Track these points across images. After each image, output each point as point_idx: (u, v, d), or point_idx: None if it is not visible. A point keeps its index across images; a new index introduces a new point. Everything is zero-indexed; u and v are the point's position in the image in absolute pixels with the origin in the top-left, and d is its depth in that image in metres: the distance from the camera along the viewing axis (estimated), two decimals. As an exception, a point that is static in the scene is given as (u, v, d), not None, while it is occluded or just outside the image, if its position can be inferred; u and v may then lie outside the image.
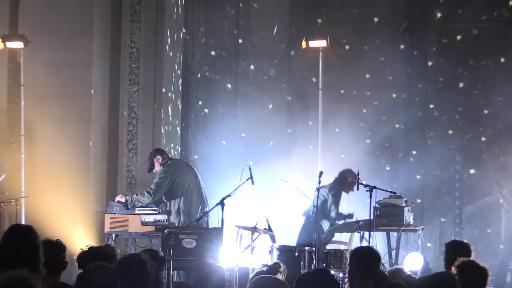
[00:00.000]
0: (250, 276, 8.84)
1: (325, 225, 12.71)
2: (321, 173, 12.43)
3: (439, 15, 16.78)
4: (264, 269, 8.69)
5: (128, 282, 6.17)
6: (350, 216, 12.91)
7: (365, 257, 7.67)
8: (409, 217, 12.59)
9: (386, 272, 8.51)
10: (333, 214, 12.69)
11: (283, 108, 16.68)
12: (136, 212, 12.71)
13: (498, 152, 15.63)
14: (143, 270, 6.34)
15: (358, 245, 12.21)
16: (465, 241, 9.16)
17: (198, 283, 7.04)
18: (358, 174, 12.45)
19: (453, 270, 7.50)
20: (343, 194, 13.10)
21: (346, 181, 12.81)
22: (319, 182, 12.54)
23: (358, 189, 12.29)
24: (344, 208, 13.36)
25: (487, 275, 7.36)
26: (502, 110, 16.12)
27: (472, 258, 8.39)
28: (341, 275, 11.21)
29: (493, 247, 15.12)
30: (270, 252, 11.88)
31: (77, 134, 13.86)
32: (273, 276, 7.26)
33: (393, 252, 12.37)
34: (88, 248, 8.07)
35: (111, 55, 14.51)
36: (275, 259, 11.56)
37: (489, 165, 15.11)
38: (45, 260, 6.46)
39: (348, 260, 11.29)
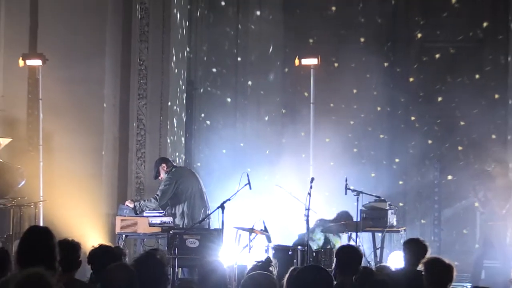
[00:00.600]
0: (248, 271, 8.82)
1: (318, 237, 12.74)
2: (312, 179, 12.40)
3: (419, 35, 16.78)
4: (259, 264, 8.69)
5: (146, 281, 6.13)
6: None
7: (346, 255, 7.65)
8: (392, 219, 12.57)
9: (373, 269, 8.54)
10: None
11: (278, 120, 16.67)
12: (144, 214, 12.73)
13: (473, 160, 15.63)
14: (161, 269, 6.31)
15: (347, 243, 12.26)
16: (421, 239, 9.11)
17: (202, 278, 7.05)
18: (346, 180, 12.49)
19: (420, 267, 7.51)
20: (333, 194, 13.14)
21: None
22: (311, 187, 12.51)
23: (346, 193, 12.32)
24: (333, 211, 13.35)
25: (452, 271, 7.36)
26: (476, 122, 16.13)
27: (428, 255, 8.37)
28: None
29: (469, 246, 15.12)
30: (266, 251, 11.86)
31: (91, 144, 13.85)
32: (265, 272, 7.24)
33: (378, 251, 12.36)
34: (99, 245, 8.06)
35: (122, 71, 14.50)
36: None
37: (465, 172, 15.10)
38: (61, 258, 6.45)
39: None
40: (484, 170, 13.92)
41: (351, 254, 7.61)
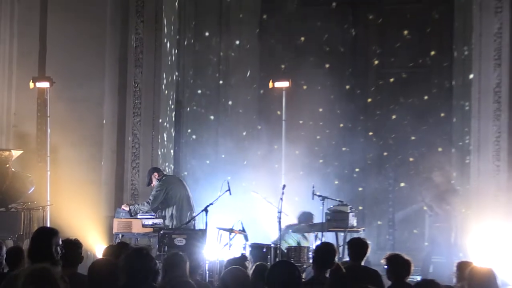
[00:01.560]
0: (225, 265, 8.80)
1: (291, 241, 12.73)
2: (284, 186, 12.46)
3: (376, 62, 16.84)
4: (236, 259, 8.66)
5: (137, 273, 6.06)
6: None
7: (322, 253, 7.68)
8: (353, 220, 12.59)
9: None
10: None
11: (254, 135, 16.68)
12: (138, 216, 12.73)
13: (422, 169, 15.65)
14: (150, 263, 6.22)
15: (313, 243, 12.26)
16: (363, 237, 9.10)
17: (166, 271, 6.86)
18: (313, 187, 12.52)
19: (383, 261, 7.50)
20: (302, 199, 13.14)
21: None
22: (283, 193, 12.54)
23: (313, 198, 12.37)
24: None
25: (410, 265, 7.39)
26: (425, 137, 16.18)
27: (368, 251, 8.36)
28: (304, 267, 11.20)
29: (419, 244, 15.13)
30: (244, 248, 11.87)
31: (91, 155, 13.85)
32: (240, 267, 7.23)
33: (341, 249, 12.35)
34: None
35: (119, 92, 14.49)
36: (247, 254, 11.57)
37: (415, 180, 15.14)
38: (65, 255, 6.47)
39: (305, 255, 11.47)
40: (429, 178, 13.98)
41: (327, 251, 7.65)
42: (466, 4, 15.36)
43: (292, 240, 12.71)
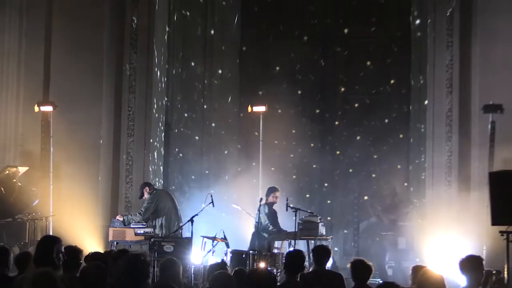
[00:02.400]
0: (208, 270, 8.74)
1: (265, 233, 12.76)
2: (261, 199, 12.54)
3: (343, 89, 16.88)
4: (218, 264, 8.62)
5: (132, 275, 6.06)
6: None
7: (293, 259, 7.68)
8: (322, 230, 12.57)
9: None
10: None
11: (235, 153, 16.64)
12: (131, 226, 12.71)
13: (383, 184, 15.74)
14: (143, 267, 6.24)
15: (287, 249, 12.25)
16: (325, 245, 9.09)
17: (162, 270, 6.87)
18: (287, 200, 12.55)
19: (348, 266, 7.52)
20: (277, 211, 13.13)
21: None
22: (260, 205, 12.63)
23: (287, 210, 12.37)
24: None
25: (371, 269, 7.41)
26: (386, 155, 16.24)
27: (331, 257, 8.35)
28: (274, 271, 11.19)
29: (380, 250, 15.17)
30: (225, 254, 11.88)
31: (90, 171, 13.79)
32: (226, 271, 7.25)
33: (311, 255, 12.36)
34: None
35: (115, 116, 14.47)
36: (228, 260, 11.59)
37: (377, 194, 15.14)
38: (66, 260, 6.47)
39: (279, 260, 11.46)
40: (378, 192, 14.01)
41: (297, 257, 7.64)
42: (422, 39, 15.49)
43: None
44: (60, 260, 6.29)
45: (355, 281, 7.32)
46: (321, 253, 8.22)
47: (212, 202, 12.48)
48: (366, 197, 15.52)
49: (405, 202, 14.81)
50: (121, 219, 12.82)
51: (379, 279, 12.14)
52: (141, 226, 12.71)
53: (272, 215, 12.90)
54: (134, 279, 5.78)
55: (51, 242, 6.33)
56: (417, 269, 7.72)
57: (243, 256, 11.79)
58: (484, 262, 7.06)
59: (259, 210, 12.58)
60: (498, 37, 13.33)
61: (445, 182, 13.42)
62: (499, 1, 13.35)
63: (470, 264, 6.75)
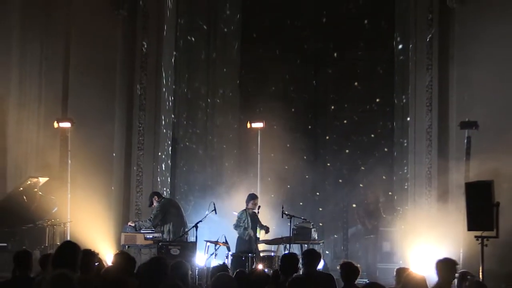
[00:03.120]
0: (210, 271, 8.72)
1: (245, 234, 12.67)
2: (259, 206, 12.54)
3: (333, 107, 16.91)
4: (220, 266, 8.61)
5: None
6: (267, 228, 12.84)
7: (287, 260, 7.67)
8: (314, 235, 12.55)
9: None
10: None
11: (235, 165, 16.62)
12: (142, 231, 12.70)
13: (370, 194, 15.71)
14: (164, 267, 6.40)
15: (283, 252, 12.23)
16: (316, 249, 8.99)
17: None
18: (282, 207, 12.52)
19: (338, 267, 7.50)
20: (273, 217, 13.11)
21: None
22: (258, 212, 12.63)
23: (282, 217, 12.33)
24: (273, 229, 13.30)
25: (359, 271, 7.42)
26: (372, 167, 16.22)
27: (321, 260, 8.26)
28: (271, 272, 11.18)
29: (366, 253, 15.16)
30: (226, 257, 11.88)
31: (104, 181, 13.77)
32: (227, 273, 7.26)
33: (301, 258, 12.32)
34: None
35: (126, 131, 14.51)
36: (229, 262, 11.58)
37: (362, 202, 15.11)
38: (83, 263, 6.46)
39: (275, 262, 11.44)
40: (363, 200, 14.01)
41: (291, 259, 7.63)
42: (404, 62, 15.53)
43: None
44: (77, 262, 6.27)
45: (344, 281, 7.33)
46: (311, 256, 8.15)
47: (215, 209, 12.51)
48: (354, 205, 15.50)
49: (390, 210, 14.83)
50: (133, 224, 12.82)
51: (366, 280, 12.16)
52: (150, 231, 12.73)
53: (251, 218, 12.77)
54: (156, 274, 6.03)
55: (70, 246, 6.29)
56: (400, 271, 7.74)
57: (243, 258, 11.79)
58: (459, 265, 7.08)
59: (257, 217, 12.61)
60: (473, 61, 13.36)
61: (426, 191, 13.43)
62: (474, 28, 13.38)
63: (444, 266, 6.79)
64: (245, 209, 12.81)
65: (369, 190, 14.49)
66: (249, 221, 12.67)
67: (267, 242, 12.90)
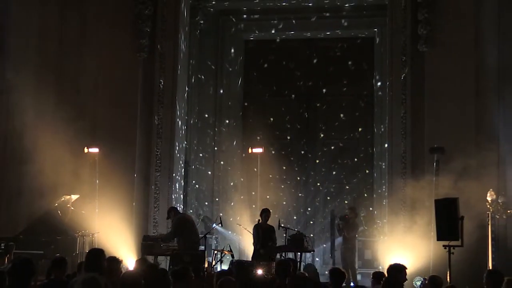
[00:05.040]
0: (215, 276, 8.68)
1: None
2: (259, 220, 12.53)
3: (322, 135, 17.05)
4: (225, 271, 8.61)
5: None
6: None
7: (282, 266, 7.70)
8: (307, 244, 12.47)
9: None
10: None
11: (239, 185, 16.67)
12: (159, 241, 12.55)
13: (347, 209, 15.76)
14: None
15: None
16: (286, 258, 8.88)
17: None
18: (279, 221, 12.52)
19: (327, 272, 7.47)
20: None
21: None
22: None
23: (279, 228, 12.30)
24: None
25: (345, 275, 7.43)
26: (356, 186, 16.38)
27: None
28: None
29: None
30: (231, 263, 11.86)
31: (126, 198, 13.69)
32: (231, 277, 7.30)
33: (298, 264, 12.33)
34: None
35: (145, 156, 14.34)
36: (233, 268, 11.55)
37: (349, 217, 15.15)
38: (109, 268, 6.50)
39: (272, 268, 11.41)
40: (343, 215, 13.98)
41: (284, 265, 7.64)
42: (382, 97, 15.68)
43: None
44: (104, 267, 6.31)
45: (332, 285, 7.34)
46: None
47: (221, 222, 12.59)
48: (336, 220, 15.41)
49: (370, 222, 14.87)
50: (158, 236, 12.63)
51: (352, 283, 12.18)
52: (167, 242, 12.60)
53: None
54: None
55: (97, 253, 6.32)
56: (375, 275, 7.76)
57: (245, 265, 11.77)
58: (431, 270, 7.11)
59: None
60: (441, 95, 13.47)
61: (401, 207, 13.41)
62: (440, 67, 13.52)
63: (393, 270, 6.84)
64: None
65: (348, 206, 14.52)
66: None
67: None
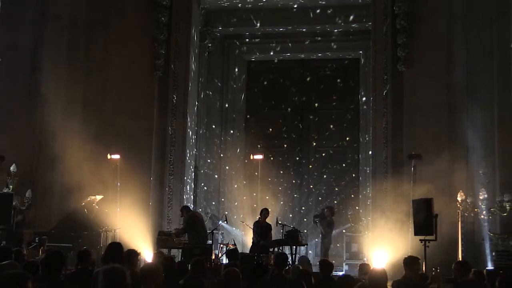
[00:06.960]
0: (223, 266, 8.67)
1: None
2: (258, 218, 12.51)
3: (314, 144, 17.09)
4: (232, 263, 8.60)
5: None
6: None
7: (279, 258, 7.70)
8: (301, 239, 12.42)
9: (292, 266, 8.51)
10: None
11: (241, 187, 16.67)
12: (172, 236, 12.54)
13: (342, 209, 15.80)
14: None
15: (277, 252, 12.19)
16: (283, 252, 8.84)
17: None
18: (277, 218, 12.54)
19: (317, 263, 7.42)
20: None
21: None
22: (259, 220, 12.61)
23: (277, 225, 12.30)
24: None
25: (333, 266, 7.38)
26: (343, 189, 16.38)
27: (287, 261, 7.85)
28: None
29: (339, 252, 15.11)
30: (226, 253, 11.80)
31: (143, 199, 13.69)
32: (235, 268, 7.29)
33: (294, 256, 12.32)
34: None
35: (160, 162, 14.35)
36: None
37: (338, 215, 14.98)
38: (128, 260, 6.45)
39: (271, 260, 11.39)
40: (322, 213, 13.96)
41: (281, 257, 7.63)
42: (367, 110, 15.72)
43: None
44: (123, 257, 6.27)
45: (322, 274, 7.35)
46: (281, 258, 7.29)
47: (226, 220, 12.62)
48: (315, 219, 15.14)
49: (357, 219, 14.87)
50: (173, 231, 12.64)
51: (339, 272, 12.18)
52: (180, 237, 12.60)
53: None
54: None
55: (116, 246, 6.19)
56: (362, 266, 7.77)
57: (248, 257, 11.76)
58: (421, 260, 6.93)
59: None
60: (418, 109, 13.53)
61: (383, 206, 13.45)
62: (417, 84, 13.61)
63: (410, 261, 6.60)
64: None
65: (324, 207, 14.41)
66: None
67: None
